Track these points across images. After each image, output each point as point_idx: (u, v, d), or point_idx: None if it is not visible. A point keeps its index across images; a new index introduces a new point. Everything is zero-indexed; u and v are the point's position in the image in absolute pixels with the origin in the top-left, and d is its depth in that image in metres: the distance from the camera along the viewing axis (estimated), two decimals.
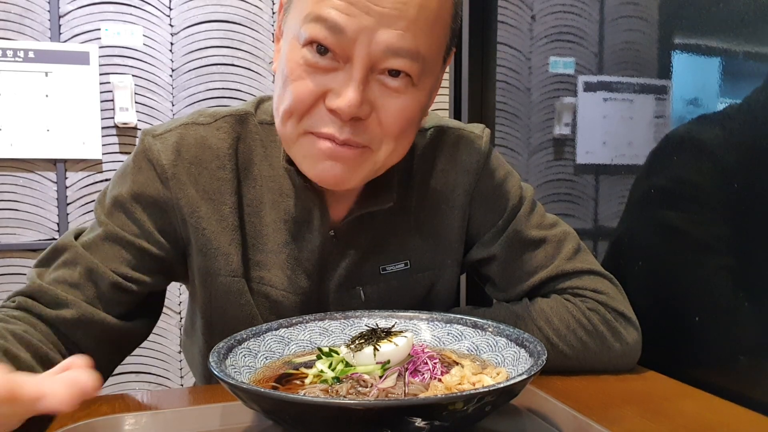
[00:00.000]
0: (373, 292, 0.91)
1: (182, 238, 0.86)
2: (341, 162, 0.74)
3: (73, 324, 0.78)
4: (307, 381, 0.69)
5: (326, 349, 0.73)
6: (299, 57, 0.71)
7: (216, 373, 0.61)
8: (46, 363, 0.72)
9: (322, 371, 0.68)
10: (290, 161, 0.82)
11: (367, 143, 0.74)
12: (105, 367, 0.85)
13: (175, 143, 0.84)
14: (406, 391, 0.65)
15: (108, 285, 0.80)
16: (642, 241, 1.12)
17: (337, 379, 0.67)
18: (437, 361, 0.71)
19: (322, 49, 0.70)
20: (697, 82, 1.03)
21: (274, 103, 0.78)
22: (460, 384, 0.66)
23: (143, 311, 0.87)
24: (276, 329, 0.78)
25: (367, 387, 0.65)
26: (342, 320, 0.82)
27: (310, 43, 0.70)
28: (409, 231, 0.92)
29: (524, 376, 0.59)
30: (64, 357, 0.77)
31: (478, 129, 0.96)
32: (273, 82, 0.82)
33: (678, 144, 1.04)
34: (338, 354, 0.72)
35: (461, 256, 0.95)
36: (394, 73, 0.71)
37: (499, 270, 0.94)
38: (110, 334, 0.81)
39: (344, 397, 0.63)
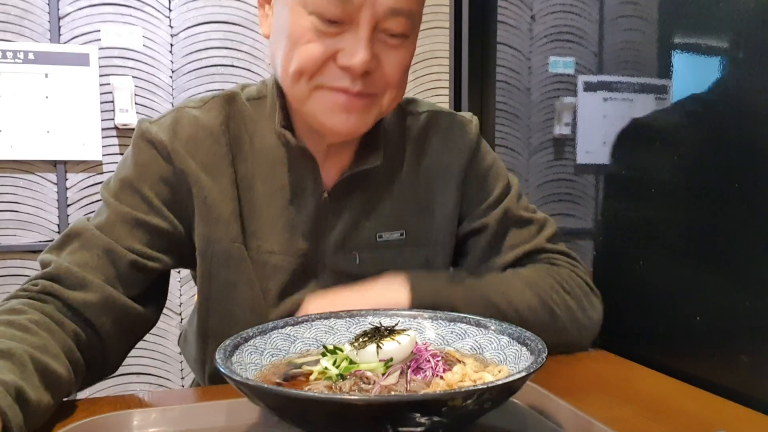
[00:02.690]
0: (368, 258, 0.94)
1: (188, 211, 0.90)
2: (354, 113, 0.83)
3: (98, 307, 0.81)
4: (311, 378, 0.69)
5: (331, 347, 0.74)
6: (307, 23, 0.78)
7: (222, 369, 0.61)
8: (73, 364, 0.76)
9: (326, 368, 0.69)
10: (285, 125, 0.89)
11: (375, 92, 0.83)
12: (122, 353, 0.88)
13: (171, 124, 0.90)
14: (408, 388, 0.66)
15: (126, 265, 0.84)
16: (642, 240, 1.13)
17: (341, 376, 0.67)
18: (440, 358, 0.72)
19: (329, 17, 0.78)
20: (696, 81, 1.04)
21: (278, 64, 0.84)
22: (461, 381, 0.66)
23: (153, 295, 0.90)
24: (282, 327, 0.79)
25: (369, 384, 0.66)
26: (347, 318, 0.83)
27: (317, 13, 0.78)
28: (404, 203, 0.97)
29: (523, 374, 0.60)
30: (82, 347, 0.80)
31: (467, 115, 1.04)
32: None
33: (675, 142, 1.04)
34: (342, 352, 0.72)
35: (455, 232, 1.00)
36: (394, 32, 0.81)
37: (487, 242, 0.99)
38: (129, 318, 0.85)
39: (347, 393, 0.63)
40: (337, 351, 0.73)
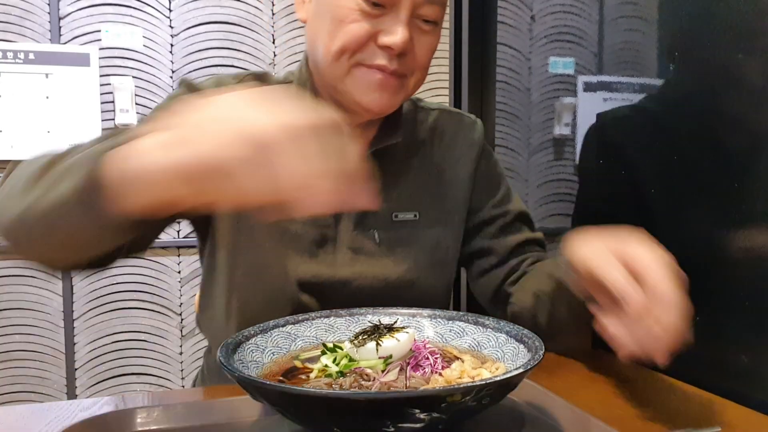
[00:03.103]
0: (386, 237, 0.99)
1: None
2: (387, 92, 0.90)
3: None
4: (312, 375, 0.70)
5: (331, 345, 0.74)
6: (352, 4, 0.86)
7: (224, 366, 0.62)
8: None
9: (326, 366, 0.69)
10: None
11: (407, 72, 0.90)
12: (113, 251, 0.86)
13: (214, 83, 0.97)
14: (408, 385, 0.66)
15: None
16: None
17: (341, 374, 0.68)
18: (438, 356, 0.72)
19: (374, 1, 0.85)
20: (695, 81, 1.04)
21: (318, 44, 0.90)
22: (460, 378, 0.67)
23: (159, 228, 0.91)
24: (283, 326, 0.80)
25: (369, 380, 0.66)
26: (347, 317, 0.84)
27: None
28: (418, 186, 1.03)
29: (521, 370, 0.60)
30: None
31: (472, 116, 1.13)
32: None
33: (676, 141, 1.05)
34: (342, 349, 0.73)
35: (465, 216, 1.06)
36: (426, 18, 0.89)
37: (497, 230, 1.06)
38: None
39: (348, 389, 0.64)
40: (337, 349, 0.74)
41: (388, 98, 0.91)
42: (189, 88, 0.95)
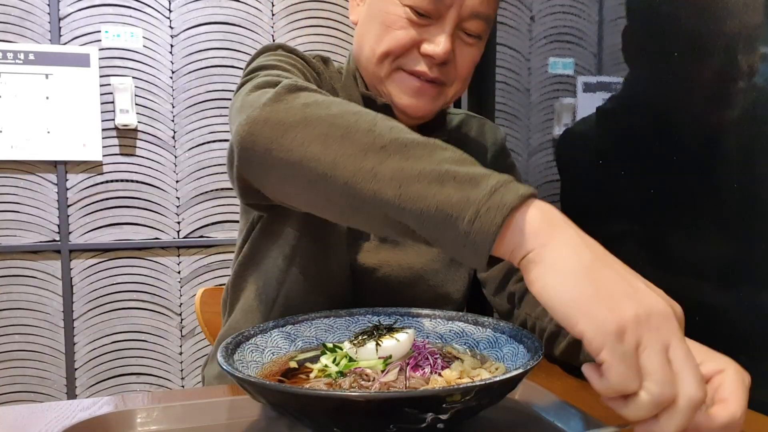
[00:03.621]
0: None
1: None
2: (424, 98, 0.94)
3: None
4: (312, 375, 0.70)
5: (330, 345, 0.74)
6: (401, 11, 0.90)
7: (224, 367, 0.62)
8: None
9: (326, 366, 0.69)
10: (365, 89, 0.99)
11: (446, 81, 0.94)
12: None
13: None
14: (407, 385, 0.66)
15: None
16: (641, 240, 1.13)
17: (341, 374, 0.68)
18: (438, 356, 0.72)
19: (421, 11, 0.89)
20: (695, 81, 1.04)
21: (365, 45, 0.95)
22: (459, 378, 0.67)
23: None
24: (282, 326, 0.80)
25: (369, 381, 0.66)
26: (347, 317, 0.84)
27: (412, 6, 0.89)
28: None
29: (521, 370, 0.60)
30: None
31: (493, 123, 1.19)
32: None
33: (675, 142, 1.05)
34: (342, 350, 0.73)
35: None
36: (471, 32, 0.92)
37: None
38: None
39: (347, 389, 0.64)
40: (337, 349, 0.74)
41: (425, 104, 0.95)
42: (287, 50, 0.94)
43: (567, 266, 0.53)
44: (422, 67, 0.92)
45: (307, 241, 0.95)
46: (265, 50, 0.94)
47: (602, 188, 1.20)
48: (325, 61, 1.04)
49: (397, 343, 0.71)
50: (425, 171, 0.57)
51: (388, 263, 0.99)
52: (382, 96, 0.98)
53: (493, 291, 1.05)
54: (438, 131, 1.04)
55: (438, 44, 0.89)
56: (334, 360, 0.71)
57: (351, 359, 0.71)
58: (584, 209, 1.30)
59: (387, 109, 0.98)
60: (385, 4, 0.92)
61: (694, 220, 1.02)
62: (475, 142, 1.12)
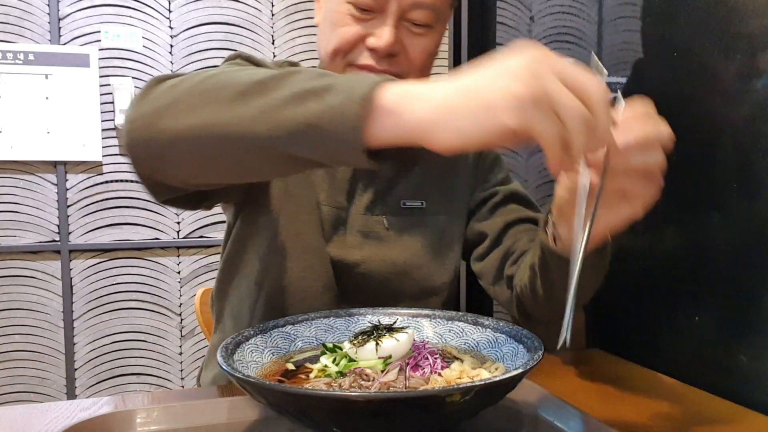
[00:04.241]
0: (394, 222, 1.04)
1: None
2: None
3: None
4: (311, 375, 0.70)
5: (330, 345, 0.74)
6: (345, 9, 0.92)
7: (224, 367, 0.62)
8: None
9: (326, 366, 0.69)
10: None
11: (399, 73, 0.93)
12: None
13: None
14: (407, 385, 0.66)
15: None
16: (641, 240, 1.13)
17: (341, 374, 0.68)
18: (438, 356, 0.72)
19: (362, 6, 0.91)
20: (694, 82, 1.05)
21: (321, 46, 0.97)
22: (459, 378, 0.67)
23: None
24: (282, 326, 0.80)
25: (369, 381, 0.66)
26: (346, 317, 0.84)
27: (353, 2, 0.91)
28: (426, 177, 1.07)
29: (520, 370, 0.60)
30: None
31: None
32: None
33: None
34: (342, 350, 0.73)
35: (468, 204, 1.10)
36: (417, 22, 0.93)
37: (487, 212, 1.08)
38: None
39: (347, 389, 0.64)
40: (337, 349, 0.74)
41: None
42: (245, 59, 0.95)
43: (446, 92, 0.57)
44: (370, 60, 0.93)
45: (282, 239, 0.98)
46: (226, 60, 0.95)
47: None
48: (294, 66, 1.05)
49: (397, 343, 0.71)
50: (286, 97, 0.61)
51: (371, 258, 1.00)
52: None
53: (491, 281, 1.05)
54: None
55: (381, 37, 0.90)
56: (334, 360, 0.71)
57: (351, 359, 0.71)
58: None
59: None
60: (332, 4, 0.94)
61: (701, 216, 1.02)
62: None
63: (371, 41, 0.92)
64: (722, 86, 0.97)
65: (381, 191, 1.03)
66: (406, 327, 0.76)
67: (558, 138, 0.54)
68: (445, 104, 0.56)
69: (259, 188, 0.99)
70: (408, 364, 0.70)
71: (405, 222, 1.04)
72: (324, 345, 0.76)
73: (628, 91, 1.20)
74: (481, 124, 0.55)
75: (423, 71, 0.97)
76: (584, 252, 0.61)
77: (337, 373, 0.68)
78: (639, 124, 0.64)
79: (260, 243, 0.99)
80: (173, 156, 0.69)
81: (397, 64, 0.94)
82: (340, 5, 0.93)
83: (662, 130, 0.64)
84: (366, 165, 0.60)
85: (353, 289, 0.99)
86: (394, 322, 0.77)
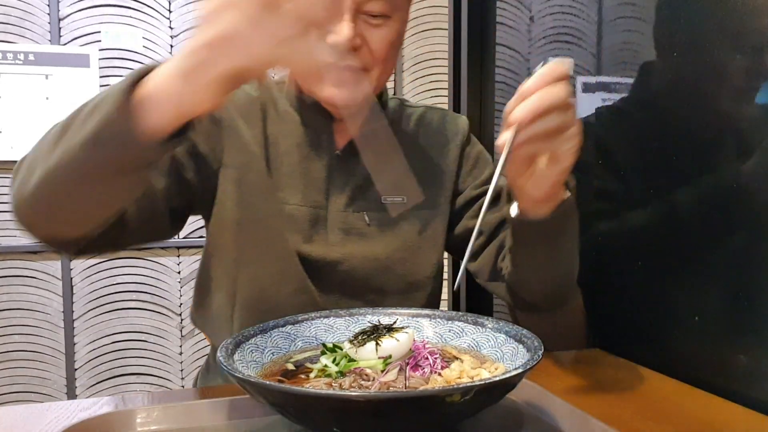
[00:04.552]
0: (375, 218, 1.04)
1: (221, 149, 0.99)
2: (345, 86, 0.95)
3: None
4: (311, 375, 0.70)
5: (330, 345, 0.74)
6: None
7: (224, 367, 0.62)
8: None
9: (326, 366, 0.70)
10: (299, 92, 1.03)
11: (363, 66, 0.95)
12: (135, 240, 0.92)
13: None
14: (407, 385, 0.66)
15: (166, 180, 0.92)
16: (641, 240, 1.13)
17: (341, 374, 0.68)
18: (438, 356, 0.73)
19: None
20: (693, 82, 1.05)
21: None
22: (459, 378, 0.67)
23: (178, 216, 0.98)
24: (282, 326, 0.80)
25: (369, 381, 0.67)
26: (346, 317, 0.84)
27: None
28: (407, 174, 1.06)
29: (520, 370, 0.61)
30: None
31: (457, 113, 1.20)
32: None
33: (673, 142, 1.05)
34: (342, 349, 0.73)
35: (451, 197, 1.10)
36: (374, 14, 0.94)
37: (479, 209, 1.05)
38: (154, 217, 0.91)
39: (347, 389, 0.64)
40: (337, 349, 0.74)
41: (348, 92, 0.96)
42: None
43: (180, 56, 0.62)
44: (332, 57, 0.93)
45: (248, 249, 0.99)
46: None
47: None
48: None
49: (397, 343, 0.71)
50: (85, 120, 0.66)
51: (353, 255, 1.01)
52: (311, 93, 1.00)
53: (487, 276, 1.05)
54: (376, 121, 1.04)
55: (339, 33, 0.91)
56: (334, 360, 0.71)
57: (351, 359, 0.71)
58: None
59: (317, 110, 1.02)
60: None
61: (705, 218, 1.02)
62: (437, 135, 1.13)
63: (331, 38, 0.92)
64: (730, 85, 0.97)
65: (360, 187, 1.04)
66: (406, 327, 0.76)
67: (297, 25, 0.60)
68: (183, 65, 0.61)
69: (203, 205, 1.00)
70: (408, 364, 0.70)
71: (386, 217, 1.05)
72: (324, 345, 0.76)
73: (636, 90, 1.19)
74: (229, 59, 0.60)
75: (387, 62, 0.98)
76: (491, 196, 0.75)
77: (337, 373, 0.69)
78: (538, 92, 0.69)
79: (227, 256, 1.01)
80: (45, 207, 0.74)
81: (360, 57, 0.95)
82: None
83: (556, 92, 0.70)
84: (165, 152, 0.67)
85: (337, 287, 1.00)
86: (394, 322, 0.77)
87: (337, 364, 0.70)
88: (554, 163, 0.76)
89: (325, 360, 0.72)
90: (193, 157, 0.97)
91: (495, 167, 1.11)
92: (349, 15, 0.91)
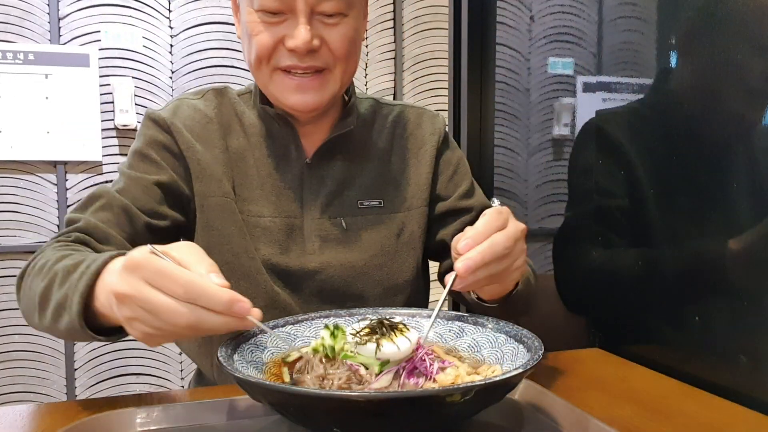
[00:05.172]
0: (353, 222, 1.04)
1: (187, 173, 1.01)
2: (309, 91, 0.96)
3: None
4: (304, 350, 0.71)
5: (331, 327, 0.73)
6: (256, 17, 0.93)
7: (225, 367, 0.62)
8: None
9: (323, 339, 0.70)
10: (264, 102, 1.03)
11: (324, 65, 0.95)
12: None
13: (172, 109, 1.05)
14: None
15: (142, 224, 0.95)
16: (642, 241, 1.13)
17: (333, 352, 0.69)
18: (434, 359, 0.71)
19: (270, 11, 0.92)
20: (693, 82, 1.05)
21: (246, 58, 0.99)
22: (453, 383, 0.67)
23: None
24: (282, 326, 0.80)
25: (361, 384, 0.66)
26: (346, 317, 0.84)
27: (262, 9, 0.92)
28: (381, 174, 1.08)
29: (520, 370, 0.60)
30: None
31: (434, 111, 1.19)
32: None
33: (673, 142, 1.05)
34: (343, 331, 0.72)
35: (428, 199, 1.10)
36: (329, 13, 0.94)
37: (462, 225, 1.07)
38: None
39: (348, 390, 0.64)
40: (337, 330, 0.73)
41: (312, 97, 0.96)
42: (153, 120, 1.03)
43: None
44: (293, 61, 0.94)
45: (215, 257, 0.97)
46: (142, 126, 1.05)
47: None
48: (221, 92, 1.08)
49: (397, 350, 0.69)
50: (58, 310, 0.76)
51: (330, 264, 1.01)
52: (274, 100, 1.00)
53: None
54: (348, 119, 1.05)
55: (296, 37, 0.91)
56: (332, 333, 0.70)
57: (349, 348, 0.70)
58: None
59: (282, 121, 1.02)
60: (245, 16, 0.96)
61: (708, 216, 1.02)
62: (413, 134, 1.12)
63: (289, 43, 0.92)
64: (748, 87, 0.97)
65: (334, 192, 1.04)
66: (411, 331, 0.74)
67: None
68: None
69: (180, 232, 1.02)
70: (404, 368, 0.69)
71: (363, 222, 1.05)
72: (326, 325, 0.74)
73: (654, 91, 1.17)
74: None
75: (349, 59, 0.98)
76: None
77: (330, 347, 0.69)
78: (479, 247, 0.73)
79: None
80: (46, 331, 0.85)
81: (320, 57, 0.95)
82: (251, 15, 0.94)
83: (498, 243, 0.73)
84: (115, 340, 0.78)
85: (316, 296, 1.00)
86: (400, 322, 0.76)
87: (334, 339, 0.70)
88: (498, 285, 0.83)
89: (323, 333, 0.72)
90: (179, 203, 1.01)
91: (472, 181, 1.14)
92: (304, 18, 0.92)
